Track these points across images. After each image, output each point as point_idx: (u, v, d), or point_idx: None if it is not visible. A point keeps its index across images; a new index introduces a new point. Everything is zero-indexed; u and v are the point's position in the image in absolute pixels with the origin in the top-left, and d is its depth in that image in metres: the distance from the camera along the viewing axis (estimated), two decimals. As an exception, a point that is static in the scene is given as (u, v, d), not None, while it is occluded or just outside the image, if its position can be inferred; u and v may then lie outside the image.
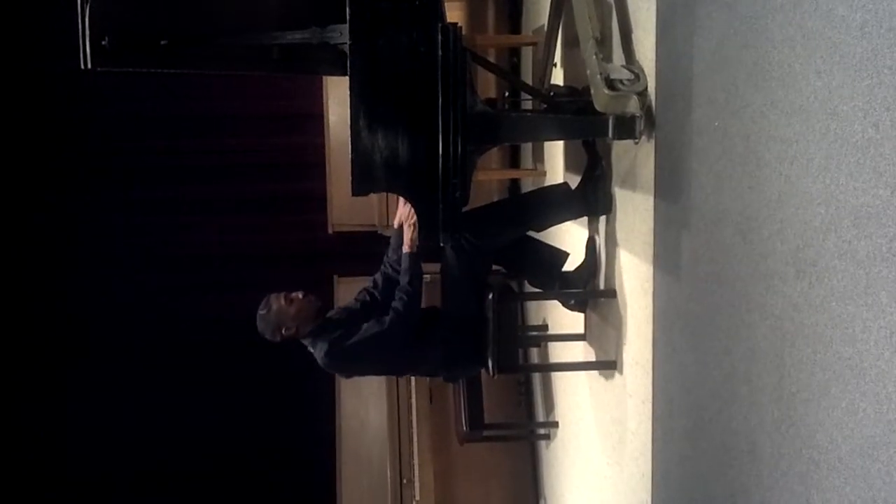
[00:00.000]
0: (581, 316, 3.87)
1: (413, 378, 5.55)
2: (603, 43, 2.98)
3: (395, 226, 3.55)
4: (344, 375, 3.67)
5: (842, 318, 1.71)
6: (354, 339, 3.43)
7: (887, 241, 1.55)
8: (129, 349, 6.58)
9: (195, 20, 2.98)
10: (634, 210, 3.13)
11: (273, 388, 6.50)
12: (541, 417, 5.33)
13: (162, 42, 2.91)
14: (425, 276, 3.57)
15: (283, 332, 3.49)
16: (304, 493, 6.63)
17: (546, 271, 3.71)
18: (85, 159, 6.50)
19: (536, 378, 5.48)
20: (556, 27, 3.81)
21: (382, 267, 3.63)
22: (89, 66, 2.84)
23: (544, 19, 4.12)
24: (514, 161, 6.14)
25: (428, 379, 5.36)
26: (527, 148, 5.76)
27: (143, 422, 6.59)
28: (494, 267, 3.79)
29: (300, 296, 3.51)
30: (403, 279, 3.43)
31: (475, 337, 3.55)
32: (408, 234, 3.38)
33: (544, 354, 5.02)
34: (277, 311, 3.48)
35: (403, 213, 3.39)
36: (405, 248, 3.42)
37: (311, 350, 3.54)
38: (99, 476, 6.67)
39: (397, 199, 3.49)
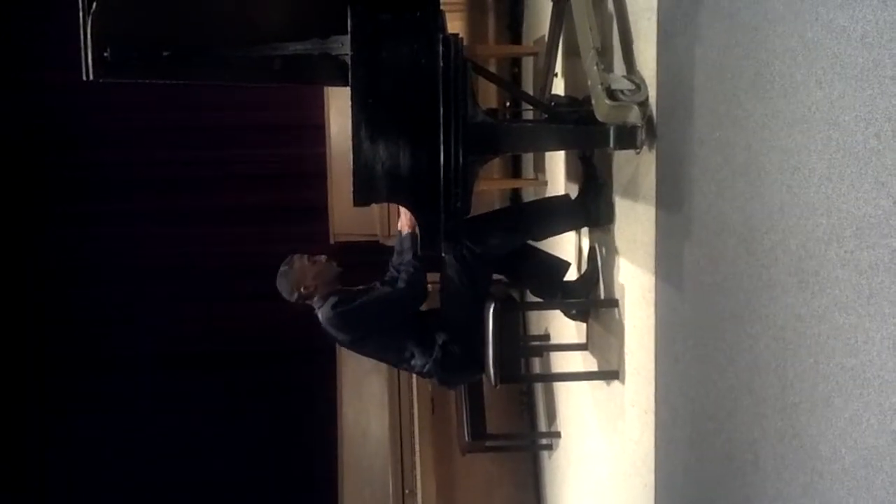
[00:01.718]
0: (583, 326, 3.86)
1: (415, 388, 5.55)
2: (604, 53, 2.98)
3: (399, 227, 3.58)
4: (343, 341, 3.70)
5: (844, 328, 1.71)
6: (361, 300, 3.53)
7: (890, 251, 1.55)
8: (131, 359, 6.59)
9: (197, 31, 2.99)
10: (636, 220, 3.13)
11: (275, 398, 6.50)
12: (543, 427, 5.32)
13: (164, 53, 2.91)
14: (427, 285, 3.58)
15: (302, 289, 3.57)
16: (306, 502, 6.62)
17: (548, 281, 3.71)
18: (88, 170, 6.52)
19: (538, 388, 5.47)
20: (557, 37, 3.82)
21: (388, 274, 3.65)
22: (91, 77, 2.84)
23: (545, 29, 4.12)
24: (515, 171, 6.14)
25: (430, 388, 5.35)
26: (528, 158, 5.76)
27: (143, 432, 6.58)
28: (496, 276, 3.79)
29: (323, 259, 3.63)
30: (407, 255, 3.50)
31: (473, 346, 3.55)
32: (405, 216, 3.43)
33: (546, 364, 5.01)
34: (300, 268, 3.59)
35: (405, 213, 3.42)
36: (404, 230, 3.49)
37: (319, 311, 3.59)
38: (100, 485, 6.66)
39: (398, 208, 3.50)
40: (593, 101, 2.91)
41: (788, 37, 1.93)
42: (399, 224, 3.61)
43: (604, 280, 3.61)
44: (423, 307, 3.67)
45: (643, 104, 2.86)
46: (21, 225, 6.56)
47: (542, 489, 5.60)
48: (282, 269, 3.62)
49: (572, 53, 3.65)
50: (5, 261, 6.54)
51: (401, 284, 3.49)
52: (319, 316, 3.59)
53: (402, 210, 3.43)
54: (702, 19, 2.46)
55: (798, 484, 1.93)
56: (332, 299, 3.54)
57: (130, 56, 2.87)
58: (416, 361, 3.71)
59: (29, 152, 6.52)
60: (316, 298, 3.59)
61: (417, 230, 3.36)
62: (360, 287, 3.66)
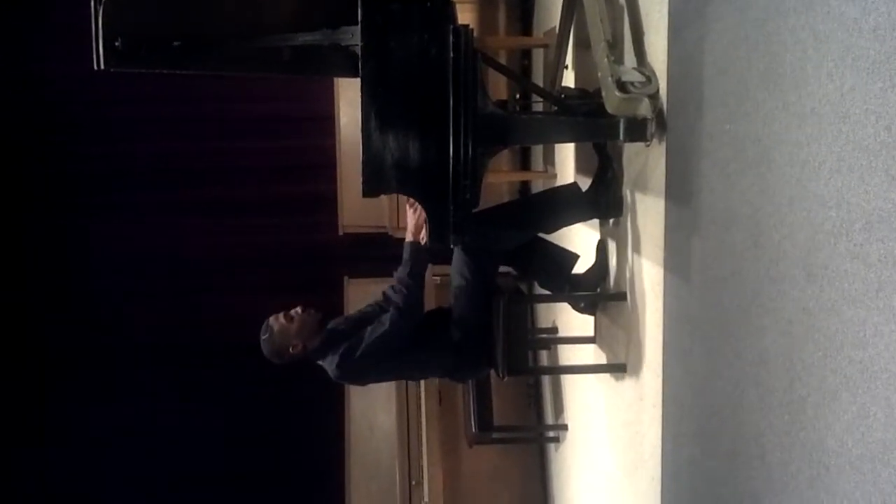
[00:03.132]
0: (591, 318, 3.86)
1: (422, 380, 5.55)
2: (614, 45, 2.98)
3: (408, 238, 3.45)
4: (358, 385, 3.65)
5: (853, 321, 1.71)
6: (361, 349, 3.40)
7: (899, 244, 1.54)
8: (138, 352, 6.59)
9: (207, 22, 3.00)
10: (645, 212, 3.13)
11: (282, 391, 6.51)
12: (550, 420, 5.33)
13: (175, 43, 2.92)
14: (435, 278, 3.56)
15: (291, 350, 3.46)
16: (313, 495, 6.64)
17: (556, 273, 3.71)
18: (98, 162, 6.53)
19: (546, 381, 5.48)
20: (568, 29, 3.81)
21: (385, 294, 3.56)
22: (102, 66, 2.86)
23: (555, 21, 4.12)
24: (524, 163, 6.14)
25: (437, 380, 5.36)
26: (537, 150, 5.76)
27: (150, 426, 6.59)
28: (504, 269, 3.78)
29: (299, 311, 3.48)
30: (403, 271, 3.38)
31: (484, 339, 3.54)
32: (412, 221, 3.35)
33: (554, 357, 5.01)
34: (279, 331, 3.45)
35: (411, 217, 3.38)
36: (408, 237, 3.39)
37: (322, 364, 3.52)
38: (103, 481, 6.68)
39: (407, 202, 3.48)
40: (603, 94, 2.90)
41: (799, 29, 1.92)
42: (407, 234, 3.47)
43: (612, 273, 3.60)
44: (433, 306, 3.63)
45: (653, 96, 2.86)
46: (22, 219, 6.55)
47: (548, 481, 5.61)
48: (262, 337, 3.47)
49: (583, 45, 3.64)
50: (5, 257, 6.54)
51: (396, 300, 3.36)
52: (326, 370, 3.51)
53: (409, 215, 3.39)
54: (712, 11, 2.45)
55: (804, 477, 1.93)
56: (334, 359, 3.42)
57: (141, 46, 2.88)
58: (430, 368, 3.69)
59: (31, 146, 6.51)
60: (315, 355, 3.47)
61: (422, 237, 3.35)
62: (352, 316, 3.57)
